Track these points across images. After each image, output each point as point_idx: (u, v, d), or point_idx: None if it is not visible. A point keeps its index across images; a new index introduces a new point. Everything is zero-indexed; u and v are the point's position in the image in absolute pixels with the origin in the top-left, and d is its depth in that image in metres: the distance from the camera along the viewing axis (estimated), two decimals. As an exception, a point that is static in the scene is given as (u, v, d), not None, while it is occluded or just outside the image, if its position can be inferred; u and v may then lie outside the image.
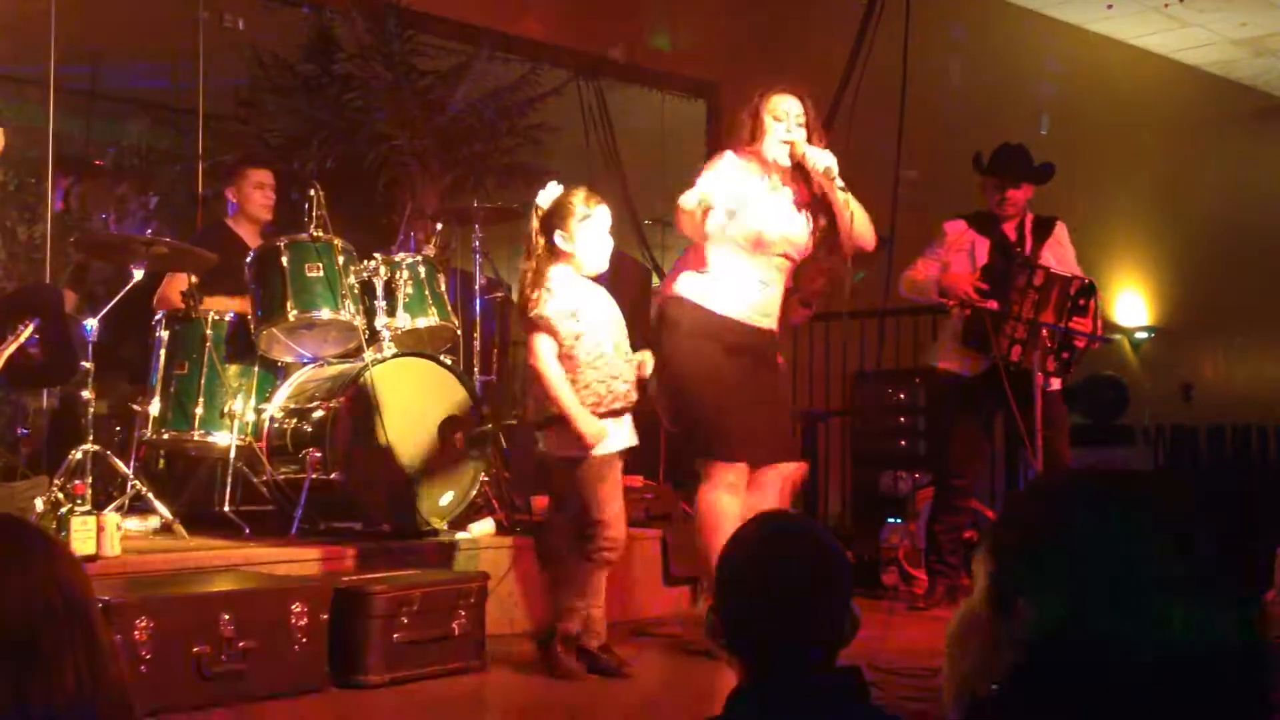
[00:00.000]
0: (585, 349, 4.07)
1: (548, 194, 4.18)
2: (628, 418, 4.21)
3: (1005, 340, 5.22)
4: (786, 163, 4.35)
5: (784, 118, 4.33)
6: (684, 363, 4.36)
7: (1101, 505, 1.10)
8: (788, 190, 4.42)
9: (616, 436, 4.15)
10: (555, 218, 4.13)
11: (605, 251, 4.19)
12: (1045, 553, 1.08)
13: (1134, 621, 1.02)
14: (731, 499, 4.31)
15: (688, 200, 4.26)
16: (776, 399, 4.51)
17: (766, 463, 4.42)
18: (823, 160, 4.24)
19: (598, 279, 4.24)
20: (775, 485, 4.43)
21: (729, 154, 4.39)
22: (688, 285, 4.41)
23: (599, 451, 4.11)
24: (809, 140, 4.35)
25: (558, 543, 4.31)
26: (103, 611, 1.33)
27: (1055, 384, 5.46)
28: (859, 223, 4.35)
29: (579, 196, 4.14)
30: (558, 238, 4.11)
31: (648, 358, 4.21)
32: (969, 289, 5.34)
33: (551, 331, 4.05)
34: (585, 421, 4.04)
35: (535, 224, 4.15)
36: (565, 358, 4.07)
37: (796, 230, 4.39)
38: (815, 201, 4.40)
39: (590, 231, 4.12)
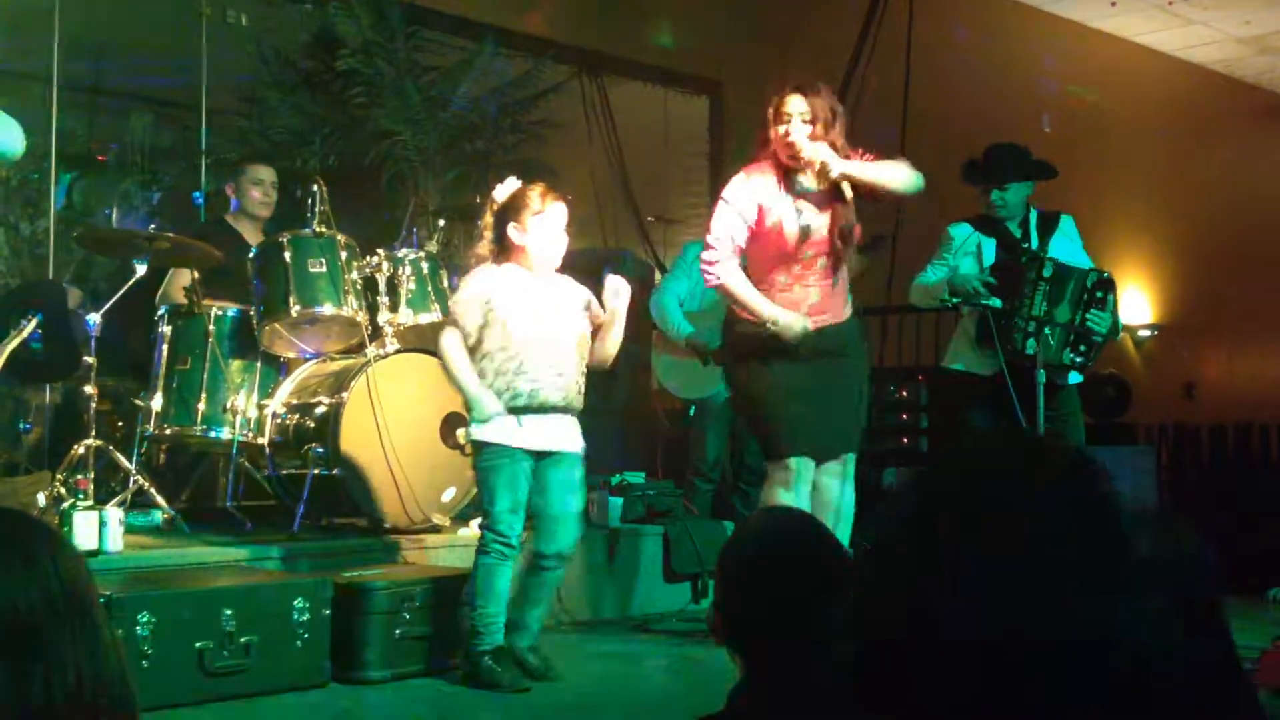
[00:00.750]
0: (491, 342, 4.01)
1: (505, 188, 4.15)
2: (557, 420, 4.08)
3: (1019, 335, 5.21)
4: (794, 161, 4.31)
5: (787, 119, 4.30)
6: (745, 380, 4.42)
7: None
8: (811, 186, 4.38)
9: (527, 434, 4.03)
10: (510, 211, 4.09)
11: (557, 249, 4.13)
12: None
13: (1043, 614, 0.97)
14: (788, 494, 4.30)
15: (714, 260, 4.28)
16: (837, 392, 4.43)
17: (825, 456, 4.41)
18: (818, 156, 4.23)
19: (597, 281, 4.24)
20: (829, 476, 4.42)
21: (737, 179, 4.38)
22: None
23: (494, 439, 4.01)
24: (823, 133, 4.31)
25: None
26: (104, 607, 1.33)
27: (1071, 380, 5.44)
28: (890, 177, 4.31)
29: (535, 191, 4.10)
30: (511, 230, 4.06)
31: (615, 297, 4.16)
32: (978, 287, 5.34)
33: (454, 322, 4.06)
34: (482, 398, 3.96)
35: (488, 216, 4.14)
36: (470, 350, 4.03)
37: (815, 229, 4.33)
38: (837, 192, 4.35)
39: (543, 227, 4.08)
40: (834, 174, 4.20)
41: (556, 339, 4.08)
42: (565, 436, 4.12)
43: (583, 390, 4.15)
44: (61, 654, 1.23)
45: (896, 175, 4.34)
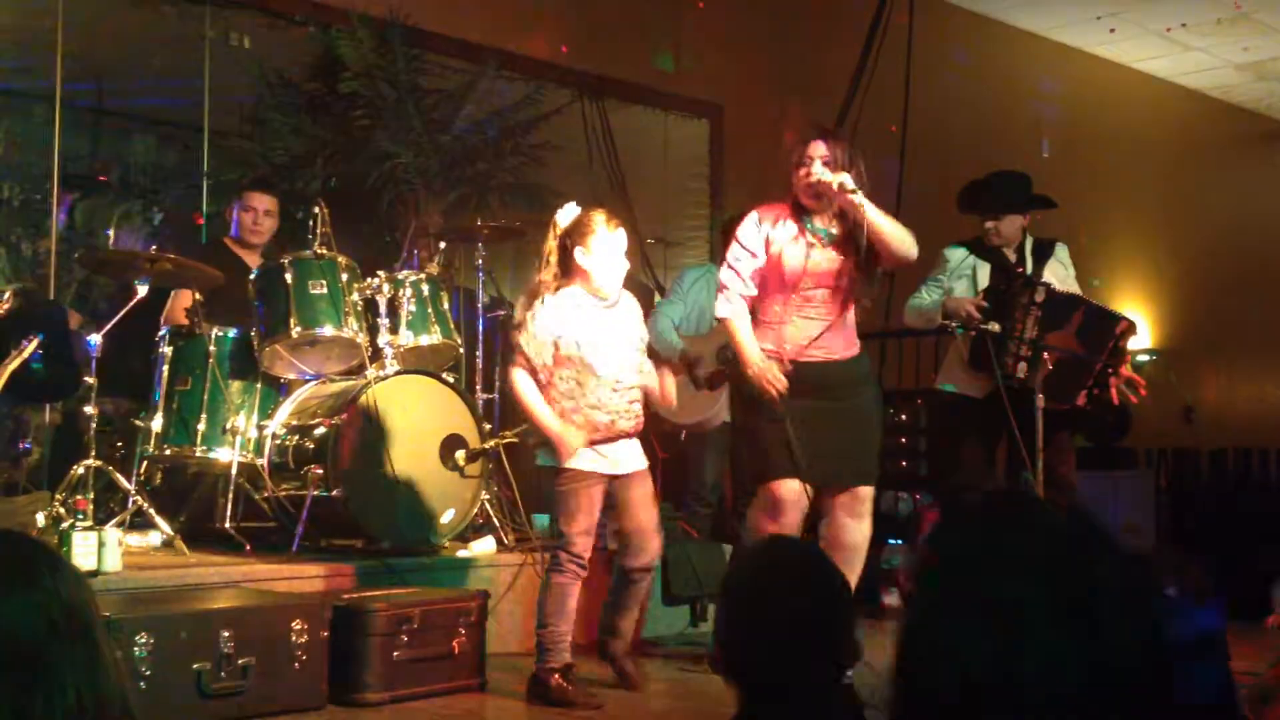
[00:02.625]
0: (565, 378, 4.12)
1: (567, 213, 4.24)
2: (626, 443, 4.25)
3: (1010, 359, 5.23)
4: (815, 202, 4.34)
5: (809, 161, 4.33)
6: (743, 403, 4.42)
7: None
8: (822, 227, 4.40)
9: (599, 459, 4.17)
10: (576, 235, 4.18)
11: (620, 273, 4.24)
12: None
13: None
14: (771, 522, 4.30)
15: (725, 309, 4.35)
16: (844, 427, 4.39)
17: (829, 490, 4.38)
18: (838, 177, 4.25)
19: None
20: (843, 513, 4.40)
21: (750, 217, 4.41)
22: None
23: (572, 465, 4.13)
24: None
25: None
26: (104, 627, 1.33)
27: (1063, 405, 5.45)
28: (894, 234, 4.32)
29: (601, 217, 4.21)
30: (578, 253, 4.15)
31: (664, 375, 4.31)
32: (972, 310, 5.36)
33: (526, 363, 4.13)
34: (561, 431, 4.09)
35: (552, 241, 4.20)
36: (542, 386, 4.13)
37: (818, 262, 4.35)
38: (855, 231, 4.39)
39: (609, 252, 4.17)
40: (853, 195, 4.21)
41: (626, 364, 4.21)
42: (634, 458, 4.28)
43: (644, 412, 4.31)
44: (62, 674, 1.23)
45: (901, 235, 4.35)
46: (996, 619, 1.04)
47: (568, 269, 4.18)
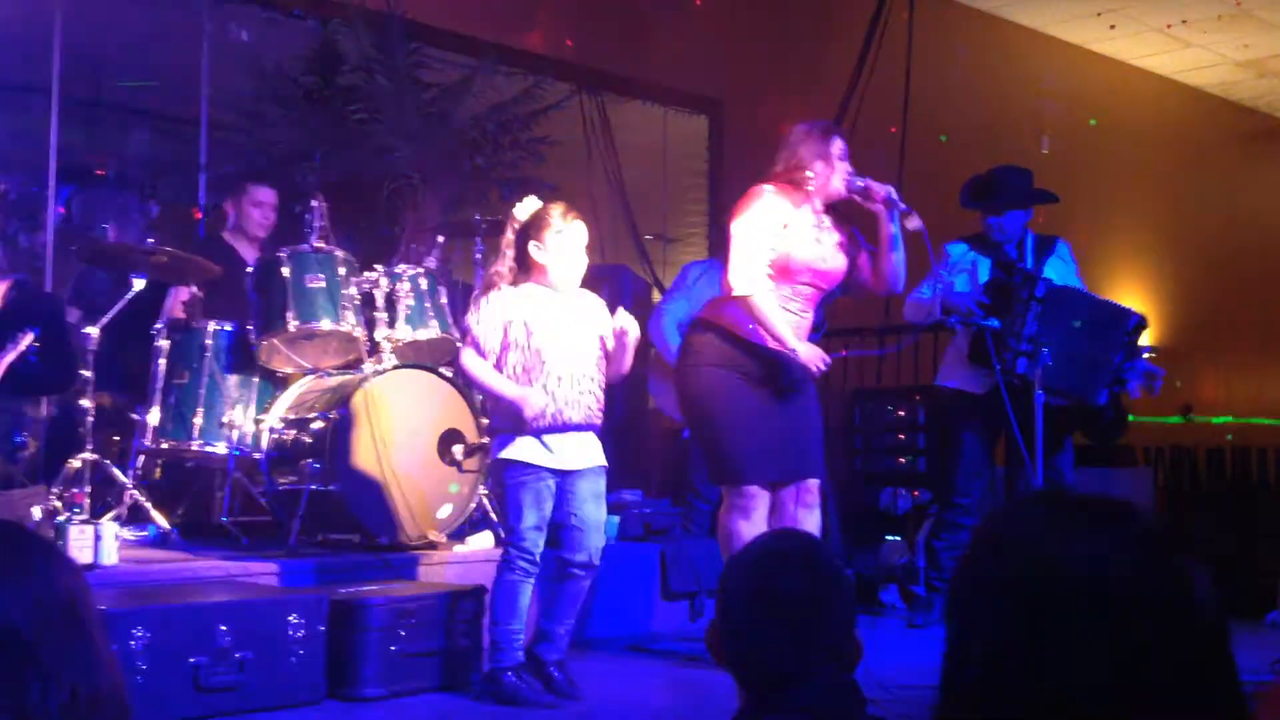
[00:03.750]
0: (512, 365, 4.05)
1: (526, 206, 4.17)
2: (578, 437, 4.11)
3: (1010, 354, 5.23)
4: (843, 193, 4.37)
5: (845, 157, 4.38)
6: (700, 386, 4.39)
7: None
8: (828, 226, 4.42)
9: (545, 453, 4.05)
10: (531, 229, 4.11)
11: (577, 268, 4.16)
12: None
13: None
14: (745, 523, 4.32)
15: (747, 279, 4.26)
16: (800, 419, 4.44)
17: (783, 481, 4.41)
18: (883, 187, 4.32)
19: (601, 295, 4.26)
20: (794, 505, 4.41)
21: (768, 190, 4.38)
22: (715, 309, 4.44)
23: (519, 458, 4.04)
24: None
25: None
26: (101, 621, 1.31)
27: (1062, 401, 5.45)
28: (901, 261, 4.38)
29: (557, 211, 4.13)
30: (532, 248, 4.08)
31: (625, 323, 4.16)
32: (972, 306, 5.35)
33: (475, 345, 4.08)
34: (521, 393, 3.98)
35: (509, 235, 4.15)
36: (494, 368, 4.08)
37: (826, 260, 4.37)
38: (851, 240, 4.44)
39: (564, 246, 4.10)
40: (899, 202, 4.27)
41: (578, 356, 4.11)
42: (587, 454, 4.15)
43: (602, 404, 4.18)
44: (57, 667, 1.22)
45: (902, 260, 4.40)
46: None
47: (525, 264, 4.12)
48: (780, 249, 4.29)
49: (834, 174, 4.37)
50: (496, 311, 4.06)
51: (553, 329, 4.07)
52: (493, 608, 4.10)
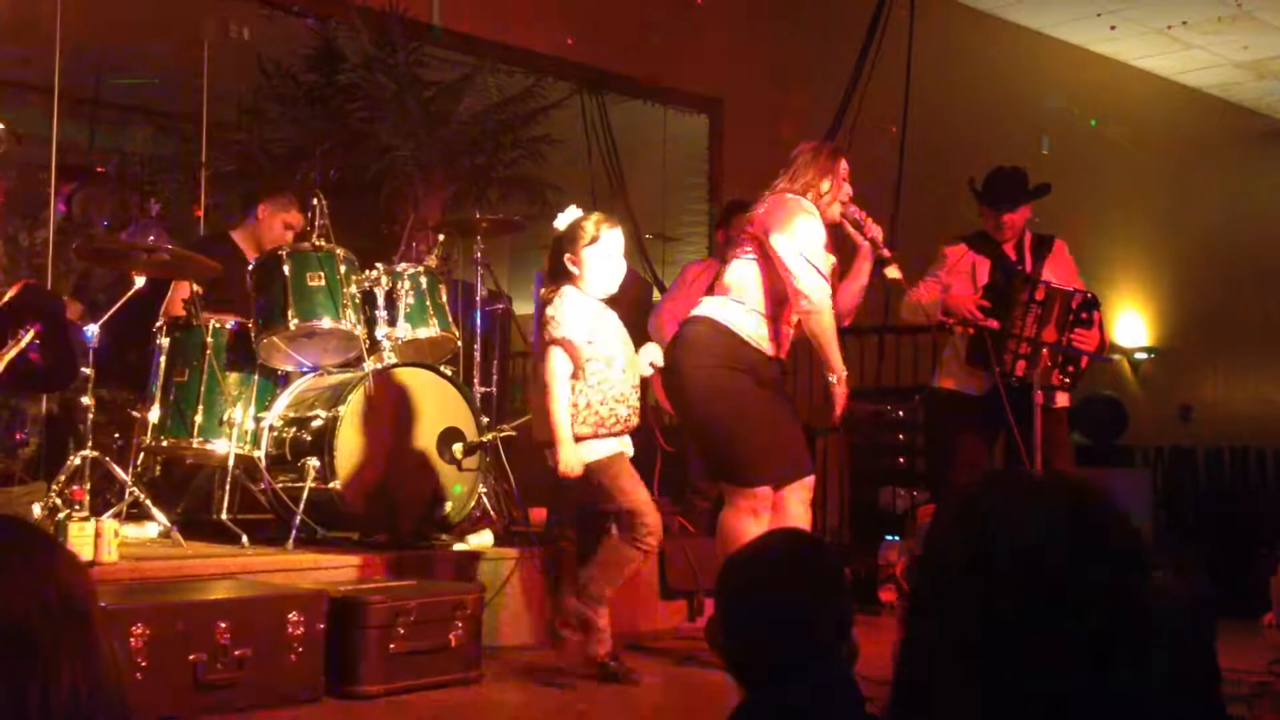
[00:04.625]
0: (592, 372, 4.15)
1: (565, 217, 4.27)
2: (628, 439, 4.31)
3: (1009, 356, 5.23)
4: (837, 218, 4.54)
5: (847, 179, 4.55)
6: (708, 387, 4.41)
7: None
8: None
9: (622, 444, 4.27)
10: (565, 241, 4.22)
11: (614, 275, 4.26)
12: None
13: None
14: (752, 522, 4.35)
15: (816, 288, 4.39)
16: (794, 419, 4.60)
17: (786, 482, 4.46)
18: (875, 227, 4.56)
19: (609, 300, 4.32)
20: (795, 503, 4.46)
21: (807, 203, 4.45)
22: (719, 310, 4.45)
23: (610, 451, 4.21)
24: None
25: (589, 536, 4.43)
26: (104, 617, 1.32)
27: (1060, 402, 5.46)
28: (859, 296, 4.63)
29: (591, 220, 4.22)
30: (565, 260, 4.19)
31: (651, 358, 4.38)
32: (972, 308, 5.35)
33: (571, 352, 4.13)
34: (567, 451, 4.12)
35: (552, 247, 4.28)
36: (573, 378, 4.15)
37: (828, 279, 4.50)
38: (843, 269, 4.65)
39: (597, 255, 4.19)
40: (884, 252, 4.55)
41: (628, 363, 4.26)
42: (630, 444, 4.35)
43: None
44: (58, 663, 1.22)
45: (860, 296, 4.68)
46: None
47: (563, 274, 4.23)
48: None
49: (838, 196, 4.53)
50: (577, 321, 4.14)
51: (616, 339, 4.23)
52: (608, 581, 4.26)
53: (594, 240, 4.18)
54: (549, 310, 4.18)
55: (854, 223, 4.55)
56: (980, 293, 5.42)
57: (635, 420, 4.26)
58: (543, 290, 4.31)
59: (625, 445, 4.28)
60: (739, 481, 4.42)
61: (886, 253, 4.52)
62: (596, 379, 4.14)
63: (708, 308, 4.50)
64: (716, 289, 4.52)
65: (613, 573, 4.28)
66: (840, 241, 4.58)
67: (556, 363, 4.12)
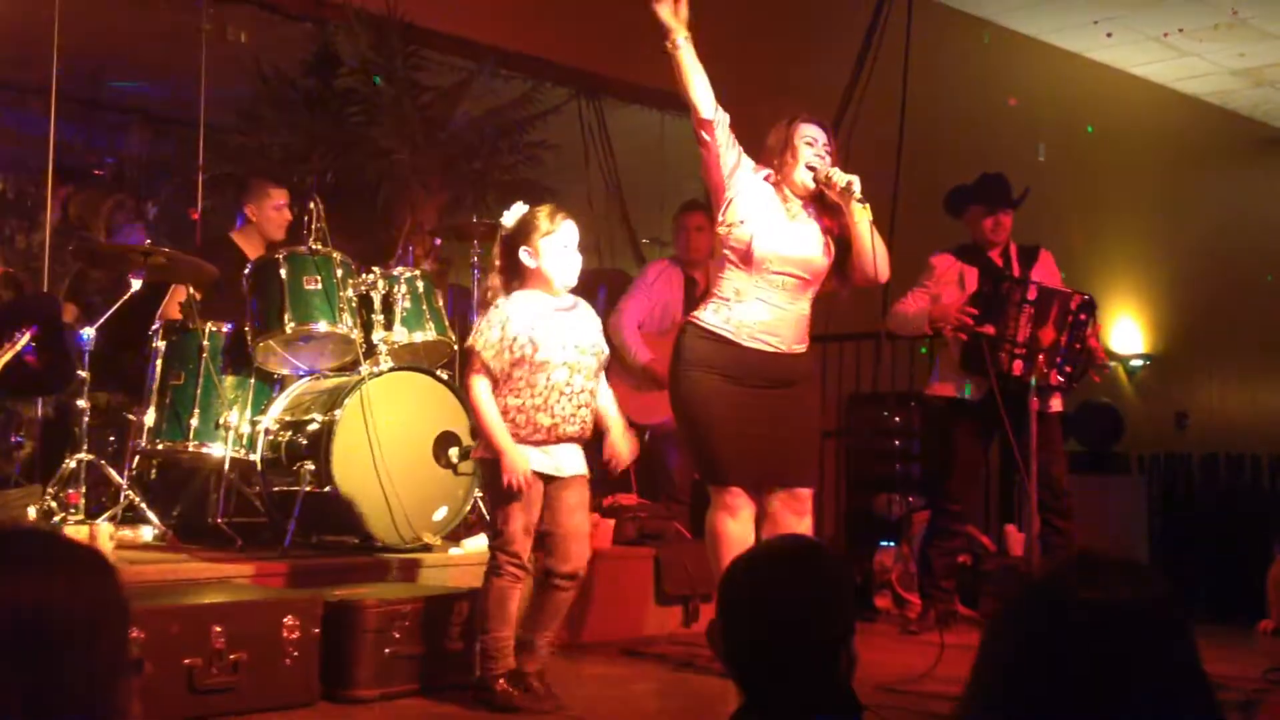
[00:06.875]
0: (518, 380, 3.93)
1: (512, 214, 4.08)
2: (568, 447, 4.03)
3: (1005, 356, 5.25)
4: (810, 186, 4.35)
5: (811, 143, 4.35)
6: (684, 390, 4.39)
7: None
8: (803, 215, 4.40)
9: (541, 457, 3.98)
10: (520, 235, 4.00)
11: (572, 268, 4.04)
12: None
13: None
14: (732, 521, 4.34)
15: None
16: (788, 422, 4.39)
17: (765, 485, 4.41)
18: (844, 177, 4.26)
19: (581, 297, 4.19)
20: (786, 511, 4.38)
21: (747, 162, 4.38)
22: (702, 310, 4.44)
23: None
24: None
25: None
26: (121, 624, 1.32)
27: (1055, 407, 5.48)
28: (877, 253, 4.31)
29: (544, 213, 4.02)
30: (523, 254, 3.97)
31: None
32: (959, 316, 5.36)
33: (484, 368, 3.92)
34: (511, 452, 3.88)
35: (498, 245, 4.06)
36: (495, 384, 3.94)
37: (797, 249, 4.34)
38: (837, 230, 4.39)
39: (554, 246, 3.99)
40: (858, 194, 4.22)
41: (580, 371, 4.00)
42: (574, 462, 4.06)
43: (593, 419, 4.08)
44: (70, 664, 1.22)
45: (883, 256, 4.35)
46: None
47: (518, 272, 4.02)
48: (743, 236, 4.30)
49: (798, 162, 4.35)
50: (499, 331, 3.93)
51: (555, 343, 3.96)
52: (482, 615, 4.01)
53: (549, 233, 3.97)
54: (479, 319, 4.04)
55: (823, 182, 4.30)
56: (967, 300, 5.43)
57: (569, 430, 3.97)
58: (484, 285, 4.15)
59: (549, 456, 3.98)
60: (709, 480, 4.45)
61: (857, 195, 4.20)
62: (524, 383, 3.92)
63: (697, 310, 4.51)
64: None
65: (489, 609, 3.99)
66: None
67: (475, 383, 3.93)
